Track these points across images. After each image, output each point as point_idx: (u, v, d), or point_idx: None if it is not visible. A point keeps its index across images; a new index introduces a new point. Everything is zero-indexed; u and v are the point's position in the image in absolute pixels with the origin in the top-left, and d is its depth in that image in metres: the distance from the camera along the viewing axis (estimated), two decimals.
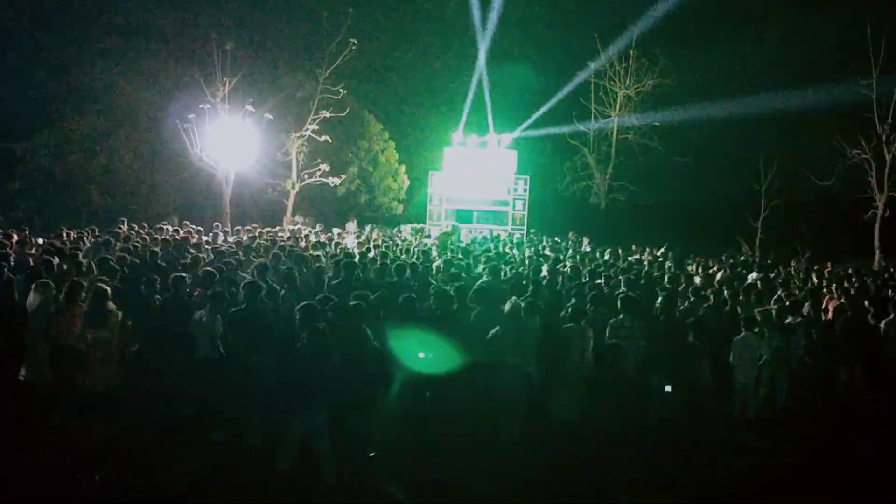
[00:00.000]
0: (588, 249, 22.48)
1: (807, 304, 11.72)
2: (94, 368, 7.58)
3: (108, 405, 7.66)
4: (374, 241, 19.34)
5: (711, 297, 11.80)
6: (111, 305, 7.90)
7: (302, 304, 7.64)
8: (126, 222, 18.35)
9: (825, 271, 17.47)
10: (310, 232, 21.72)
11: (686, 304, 11.00)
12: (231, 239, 17.98)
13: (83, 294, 8.22)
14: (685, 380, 9.03)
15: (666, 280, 13.45)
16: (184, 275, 9.45)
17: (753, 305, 11.41)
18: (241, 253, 13.27)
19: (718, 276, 15.60)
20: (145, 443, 7.75)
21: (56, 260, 10.52)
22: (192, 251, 13.33)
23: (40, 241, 15.09)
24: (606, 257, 19.21)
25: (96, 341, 7.60)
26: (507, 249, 18.72)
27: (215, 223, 21.17)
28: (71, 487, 6.87)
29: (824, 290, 14.00)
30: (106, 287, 8.16)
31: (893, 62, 24.00)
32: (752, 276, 15.32)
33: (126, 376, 7.95)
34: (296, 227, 23.98)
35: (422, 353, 8.29)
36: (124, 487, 6.97)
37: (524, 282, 11.66)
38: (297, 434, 7.04)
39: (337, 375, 7.06)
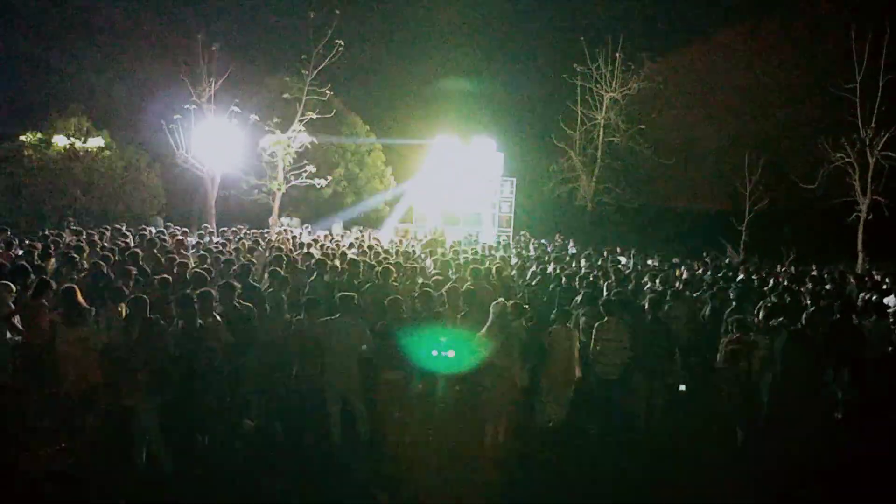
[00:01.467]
0: (573, 251, 22.54)
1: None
2: (73, 368, 7.51)
3: (86, 405, 7.59)
4: (361, 242, 19.37)
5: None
6: (83, 303, 7.83)
7: (133, 296, 7.78)
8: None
9: (811, 274, 17.54)
10: (299, 234, 21.66)
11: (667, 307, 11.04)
12: (216, 240, 17.89)
13: (50, 292, 8.16)
14: (670, 381, 9.08)
15: (656, 282, 13.49)
16: (167, 277, 9.38)
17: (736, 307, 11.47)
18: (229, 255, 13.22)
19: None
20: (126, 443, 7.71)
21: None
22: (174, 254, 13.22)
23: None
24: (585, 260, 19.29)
25: (73, 341, 7.54)
26: (492, 251, 18.74)
27: (203, 224, 21.08)
28: (52, 487, 6.83)
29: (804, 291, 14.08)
30: (74, 286, 8.09)
31: (876, 65, 24.19)
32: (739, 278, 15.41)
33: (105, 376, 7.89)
34: (283, 229, 23.89)
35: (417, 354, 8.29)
36: (110, 488, 6.93)
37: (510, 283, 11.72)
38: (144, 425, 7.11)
39: (170, 367, 7.27)
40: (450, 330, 8.55)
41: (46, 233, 16.43)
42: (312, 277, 11.05)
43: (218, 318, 8.02)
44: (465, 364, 8.31)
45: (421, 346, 8.25)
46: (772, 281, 15.95)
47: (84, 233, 16.61)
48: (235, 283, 8.78)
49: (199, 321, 7.70)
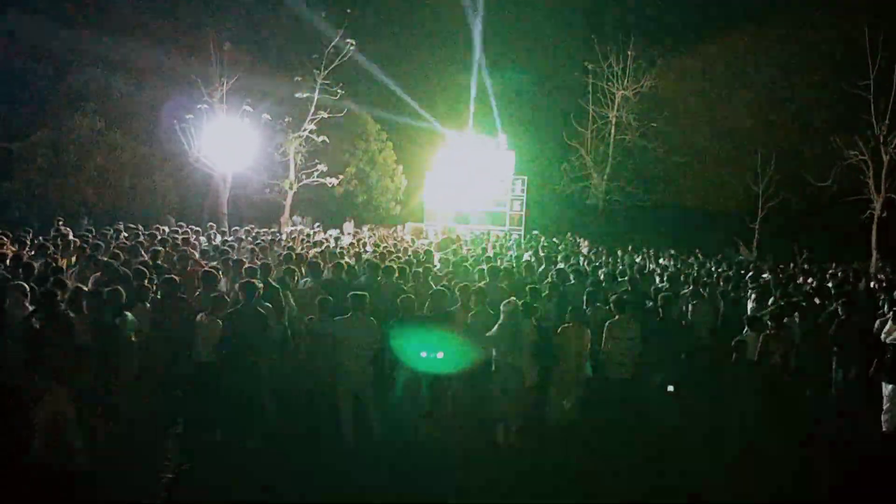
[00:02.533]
0: (586, 251, 22.50)
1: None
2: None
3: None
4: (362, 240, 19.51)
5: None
6: (83, 307, 7.88)
7: (43, 290, 7.93)
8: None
9: (827, 273, 17.43)
10: (311, 233, 21.67)
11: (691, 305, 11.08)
12: (230, 239, 17.94)
13: (66, 292, 8.22)
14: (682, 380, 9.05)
15: (664, 280, 13.48)
16: (174, 276, 9.42)
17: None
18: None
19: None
20: (140, 445, 7.76)
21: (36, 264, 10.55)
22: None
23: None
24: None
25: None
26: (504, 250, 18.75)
27: (209, 223, 21.14)
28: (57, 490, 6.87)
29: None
30: (82, 287, 8.13)
31: (891, 62, 23.98)
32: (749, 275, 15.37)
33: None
34: (294, 228, 23.95)
35: (423, 352, 8.28)
36: (119, 488, 6.97)
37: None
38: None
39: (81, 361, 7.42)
40: (445, 331, 8.51)
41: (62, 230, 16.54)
42: (306, 280, 11.05)
43: (129, 315, 8.09)
44: (456, 365, 8.30)
45: (415, 347, 8.25)
46: (784, 279, 15.89)
47: (111, 230, 16.68)
48: (257, 283, 8.84)
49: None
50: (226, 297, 8.77)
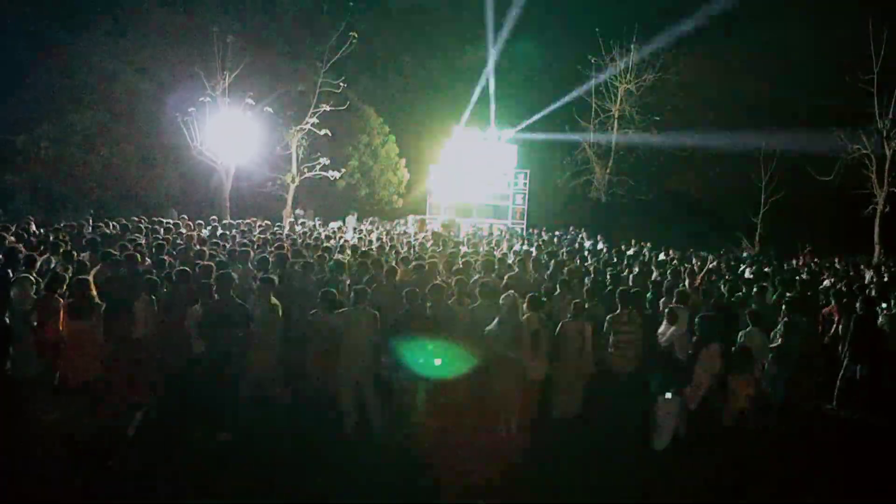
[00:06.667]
0: (589, 245, 22.48)
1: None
2: (74, 360, 7.58)
3: (88, 398, 7.67)
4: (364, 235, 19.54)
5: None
6: (94, 297, 7.90)
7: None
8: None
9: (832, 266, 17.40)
10: (314, 226, 21.65)
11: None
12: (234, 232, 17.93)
13: (63, 285, 8.23)
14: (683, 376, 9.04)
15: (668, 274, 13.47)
16: (187, 269, 9.43)
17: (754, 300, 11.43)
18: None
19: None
20: (131, 438, 7.77)
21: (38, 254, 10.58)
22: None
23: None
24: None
25: (76, 333, 7.60)
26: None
27: (212, 217, 21.13)
28: (56, 483, 6.88)
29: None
30: (88, 278, 8.14)
31: (894, 56, 23.94)
32: (749, 270, 15.35)
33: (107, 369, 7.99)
34: (297, 221, 23.92)
35: (432, 357, 8.27)
36: (109, 480, 6.99)
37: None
38: None
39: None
40: (445, 333, 8.52)
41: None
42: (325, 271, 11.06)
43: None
44: (453, 371, 8.28)
45: (419, 351, 8.25)
46: (788, 274, 15.87)
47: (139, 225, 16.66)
48: (274, 278, 8.87)
49: None
50: (210, 286, 8.74)
